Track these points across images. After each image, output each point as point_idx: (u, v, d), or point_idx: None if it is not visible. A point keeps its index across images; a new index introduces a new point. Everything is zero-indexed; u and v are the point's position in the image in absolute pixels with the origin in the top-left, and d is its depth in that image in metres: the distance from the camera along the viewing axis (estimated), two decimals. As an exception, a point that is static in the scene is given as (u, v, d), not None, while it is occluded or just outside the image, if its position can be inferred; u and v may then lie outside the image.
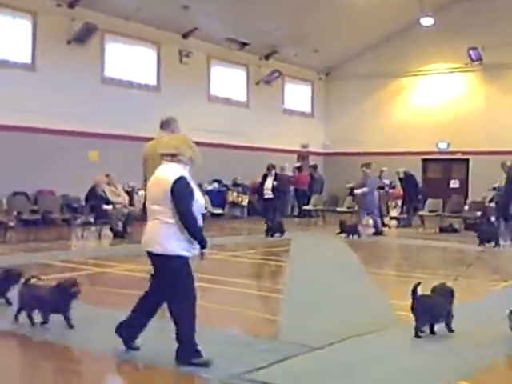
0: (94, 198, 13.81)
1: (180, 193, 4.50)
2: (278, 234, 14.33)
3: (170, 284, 4.61)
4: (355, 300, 7.10)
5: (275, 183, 15.38)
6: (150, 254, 4.70)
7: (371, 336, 5.49)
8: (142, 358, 4.74)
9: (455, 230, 16.44)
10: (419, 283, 5.58)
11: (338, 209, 18.85)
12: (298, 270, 9.40)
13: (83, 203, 14.77)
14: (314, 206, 20.04)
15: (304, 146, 25.19)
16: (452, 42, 22.38)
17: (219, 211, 18.03)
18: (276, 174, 15.73)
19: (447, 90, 23.57)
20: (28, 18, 16.58)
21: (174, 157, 4.63)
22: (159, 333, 5.39)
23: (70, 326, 5.41)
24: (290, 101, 25.05)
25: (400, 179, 18.59)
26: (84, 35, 17.24)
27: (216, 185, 20.82)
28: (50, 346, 5.07)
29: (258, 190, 16.25)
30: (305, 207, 20.57)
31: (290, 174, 22.04)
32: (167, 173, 4.59)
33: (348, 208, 18.61)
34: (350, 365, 4.69)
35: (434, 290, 5.69)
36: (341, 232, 14.49)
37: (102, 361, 4.83)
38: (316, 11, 20.60)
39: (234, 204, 20.83)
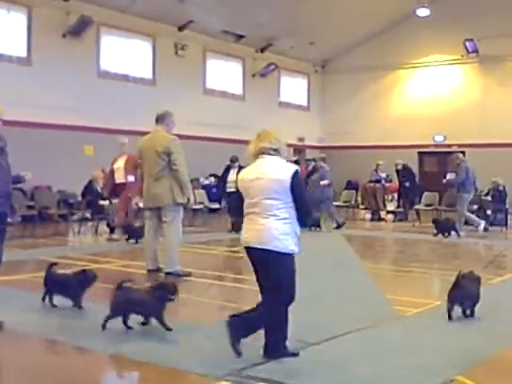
0: (91, 194, 13.83)
1: (300, 185, 4.61)
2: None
3: (284, 279, 4.59)
4: (352, 295, 7.16)
5: None
6: (259, 250, 4.57)
7: (368, 331, 5.54)
8: (138, 354, 4.78)
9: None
10: (460, 272, 5.92)
11: (334, 203, 18.86)
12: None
13: (80, 199, 14.80)
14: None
15: (300, 139, 25.21)
16: (448, 34, 22.41)
17: (216, 206, 18.03)
18: (240, 167, 14.71)
19: (443, 82, 23.61)
20: (23, 11, 16.56)
21: (275, 150, 4.68)
22: (154, 330, 5.45)
23: (168, 329, 5.31)
24: (285, 94, 25.06)
25: (397, 171, 18.62)
26: (79, 28, 17.22)
27: (212, 179, 20.82)
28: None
29: (219, 183, 15.72)
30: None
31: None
32: (280, 167, 4.61)
33: (344, 202, 18.65)
34: (347, 360, 4.75)
35: (463, 276, 5.93)
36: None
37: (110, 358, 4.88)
38: (312, 3, 20.59)
39: (230, 198, 20.85)
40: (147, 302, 5.33)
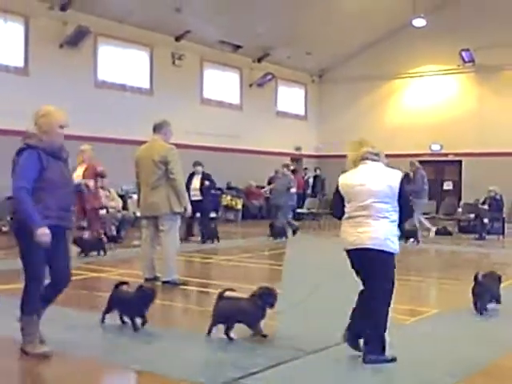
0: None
1: (405, 190, 4.95)
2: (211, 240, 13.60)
3: (389, 280, 4.88)
4: (351, 304, 7.13)
5: (207, 183, 14.26)
6: (370, 251, 4.81)
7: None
8: (136, 364, 4.76)
9: (449, 233, 16.50)
10: (478, 273, 6.47)
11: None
12: (292, 273, 9.44)
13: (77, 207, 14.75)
14: (308, 209, 20.06)
15: (297, 149, 25.25)
16: (444, 44, 22.50)
17: (213, 215, 18.01)
18: (203, 173, 14.23)
19: (440, 92, 23.69)
20: (20, 22, 16.59)
21: (376, 155, 5.03)
22: (153, 338, 5.43)
23: (264, 336, 5.33)
24: (283, 103, 25.12)
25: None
26: (76, 38, 17.26)
27: (210, 188, 20.80)
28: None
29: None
30: (298, 210, 20.58)
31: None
32: (389, 172, 4.95)
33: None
34: (346, 370, 4.73)
35: (484, 276, 6.54)
36: None
37: (111, 367, 4.85)
38: (309, 14, 20.68)
39: (227, 207, 20.86)
40: (250, 311, 5.33)
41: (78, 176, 11.61)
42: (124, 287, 5.91)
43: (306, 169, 24.50)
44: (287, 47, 22.72)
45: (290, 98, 25.57)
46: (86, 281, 8.73)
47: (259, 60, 23.38)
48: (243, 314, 5.31)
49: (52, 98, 16.68)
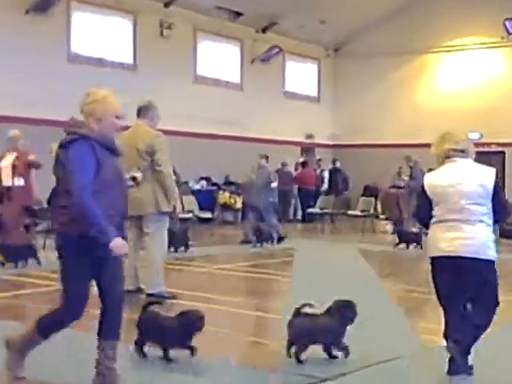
0: (58, 200, 13.79)
1: (500, 188, 5.19)
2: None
3: (495, 291, 5.19)
4: (372, 323, 7.13)
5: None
6: (469, 260, 5.02)
7: (391, 365, 5.53)
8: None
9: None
10: None
11: (350, 212, 18.89)
12: (301, 285, 9.43)
13: (45, 206, 14.76)
14: (322, 208, 20.07)
15: (308, 137, 25.24)
16: (487, 12, 22.45)
17: (208, 215, 18.02)
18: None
19: (479, 69, 23.66)
20: (-22, -16, 16.60)
21: (463, 152, 5.28)
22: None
23: (347, 354, 5.47)
24: (291, 82, 25.12)
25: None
26: (46, 3, 17.23)
27: (204, 183, 20.83)
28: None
29: None
30: (310, 210, 20.60)
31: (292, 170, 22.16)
32: (481, 170, 5.21)
33: (362, 211, 18.67)
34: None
35: None
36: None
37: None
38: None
39: (225, 206, 20.83)
40: (331, 329, 5.45)
41: (6, 167, 11.57)
42: (154, 308, 5.67)
43: (319, 160, 24.43)
44: (297, 15, 22.67)
45: (301, 75, 25.56)
46: (52, 294, 8.72)
47: (263, 30, 23.34)
48: (324, 332, 5.47)
49: (16, 74, 16.70)
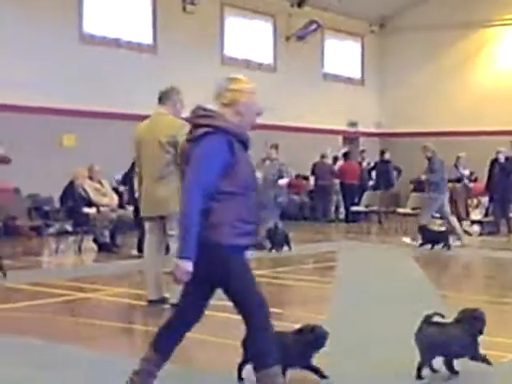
0: (72, 199, 13.90)
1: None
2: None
3: None
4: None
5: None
6: None
7: (455, 382, 5.50)
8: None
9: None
10: None
11: (400, 210, 18.76)
12: (340, 294, 9.41)
13: (58, 205, 14.89)
14: (367, 206, 19.97)
15: (351, 125, 25.15)
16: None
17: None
18: None
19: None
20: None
21: None
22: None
23: (489, 364, 5.55)
24: (331, 63, 25.08)
25: (493, 163, 18.14)
26: (55, -22, 17.37)
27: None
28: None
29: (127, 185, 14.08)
30: (354, 208, 20.50)
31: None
32: None
33: (413, 209, 18.52)
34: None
35: None
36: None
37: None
38: None
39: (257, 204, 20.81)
40: (464, 340, 5.53)
41: None
42: None
43: (363, 151, 24.27)
44: (338, -14, 22.62)
45: (342, 55, 25.51)
46: (71, 304, 8.80)
47: (299, 4, 23.28)
48: (457, 344, 5.52)
49: (21, 58, 16.77)
